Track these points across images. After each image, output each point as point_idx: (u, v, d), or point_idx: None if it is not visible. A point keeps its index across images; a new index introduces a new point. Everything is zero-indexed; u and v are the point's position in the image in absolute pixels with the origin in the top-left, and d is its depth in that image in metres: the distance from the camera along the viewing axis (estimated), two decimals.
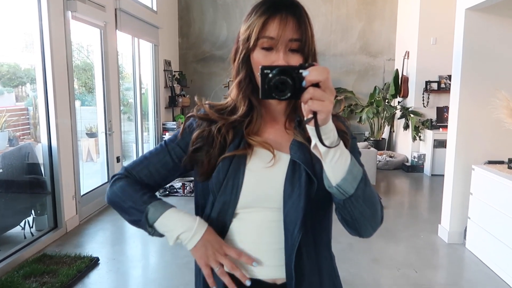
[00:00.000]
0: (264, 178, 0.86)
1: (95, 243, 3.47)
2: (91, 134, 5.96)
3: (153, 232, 0.88)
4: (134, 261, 3.20)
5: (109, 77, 4.56)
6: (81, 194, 3.98)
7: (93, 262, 2.98)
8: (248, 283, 0.83)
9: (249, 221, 0.87)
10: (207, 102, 0.94)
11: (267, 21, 0.82)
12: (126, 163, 5.31)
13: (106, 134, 4.59)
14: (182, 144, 0.92)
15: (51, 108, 3.44)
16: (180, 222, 0.86)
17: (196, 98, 0.95)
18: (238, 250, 0.86)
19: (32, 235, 3.38)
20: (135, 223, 0.89)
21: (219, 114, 0.90)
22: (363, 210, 0.80)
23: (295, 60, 0.83)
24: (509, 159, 3.02)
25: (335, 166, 0.76)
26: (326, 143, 0.73)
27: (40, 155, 3.54)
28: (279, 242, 0.86)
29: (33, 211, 3.57)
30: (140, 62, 5.69)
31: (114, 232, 3.81)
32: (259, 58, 0.84)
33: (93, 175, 4.96)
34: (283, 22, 0.81)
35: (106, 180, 4.61)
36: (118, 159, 4.81)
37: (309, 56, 0.85)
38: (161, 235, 0.88)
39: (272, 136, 0.90)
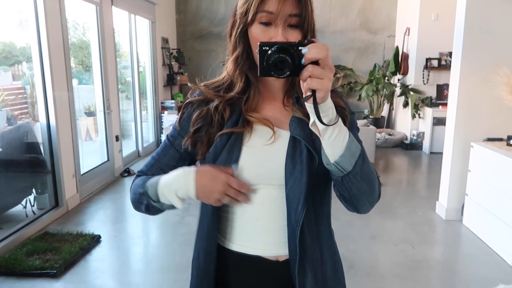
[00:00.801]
0: (265, 156, 0.85)
1: (96, 221, 3.50)
2: (90, 113, 5.93)
3: (162, 206, 0.89)
4: (135, 239, 3.24)
5: (106, 55, 4.50)
6: (81, 173, 3.99)
7: (95, 240, 3.02)
8: (253, 190, 0.85)
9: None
10: (202, 83, 0.93)
11: None
12: (125, 142, 5.34)
13: (104, 112, 4.57)
14: (183, 132, 0.92)
15: (48, 86, 3.41)
16: (171, 182, 0.85)
17: (189, 84, 0.95)
18: (238, 180, 0.83)
19: (34, 213, 3.41)
20: (149, 208, 0.90)
21: (215, 92, 0.90)
22: (361, 187, 0.81)
23: (294, 36, 0.81)
24: (508, 136, 3.02)
25: (334, 143, 0.76)
26: (325, 120, 0.73)
27: (39, 134, 3.53)
28: (281, 219, 0.87)
29: (33, 190, 3.59)
30: (137, 40, 5.62)
31: (115, 210, 3.84)
32: (257, 33, 0.82)
33: (92, 154, 4.96)
34: None
35: (106, 159, 4.62)
36: (117, 138, 4.80)
37: (308, 32, 0.83)
38: (172, 207, 0.88)
39: (271, 113, 0.89)
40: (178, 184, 0.83)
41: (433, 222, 3.47)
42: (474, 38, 3.20)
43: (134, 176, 0.97)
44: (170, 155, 0.94)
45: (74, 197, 3.77)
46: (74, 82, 4.96)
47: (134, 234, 3.35)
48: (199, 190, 0.82)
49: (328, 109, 0.73)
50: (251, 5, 0.81)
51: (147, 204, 0.89)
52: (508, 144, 2.99)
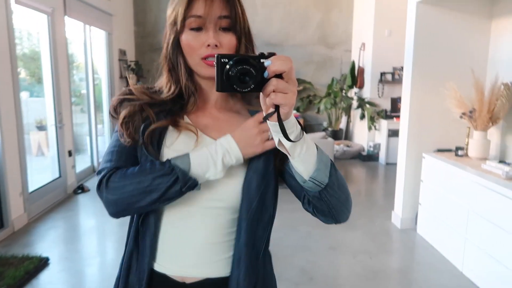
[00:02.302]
0: None
1: (45, 242, 3.30)
2: (41, 127, 5.65)
3: (191, 182, 0.78)
4: (89, 259, 3.08)
5: (58, 66, 4.32)
6: (30, 190, 3.77)
7: (43, 262, 2.83)
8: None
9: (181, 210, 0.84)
10: (138, 86, 0.89)
11: None
12: (79, 157, 5.12)
13: (56, 126, 4.37)
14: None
15: None
16: (212, 154, 0.79)
17: (124, 88, 0.90)
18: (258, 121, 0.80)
19: None
20: (168, 191, 0.77)
21: (144, 91, 0.86)
22: (339, 196, 0.79)
23: (228, 39, 0.80)
24: (456, 147, 3.16)
25: (305, 159, 0.74)
26: (292, 137, 0.70)
27: None
28: (211, 236, 0.85)
29: None
30: (93, 51, 5.45)
31: (67, 229, 3.65)
32: (189, 40, 0.80)
33: (43, 170, 4.72)
34: None
35: (58, 175, 4.40)
36: (70, 153, 4.60)
37: (242, 35, 0.82)
38: (195, 184, 0.78)
39: (204, 120, 0.87)
40: (224, 152, 0.79)
41: (389, 231, 3.55)
42: (424, 54, 3.35)
43: (105, 170, 0.81)
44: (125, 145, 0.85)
45: (21, 217, 3.54)
46: (25, 94, 4.72)
47: (88, 254, 3.18)
48: (242, 146, 0.79)
49: (293, 125, 0.70)
50: (178, 13, 0.79)
51: (170, 186, 0.76)
52: (457, 155, 3.13)
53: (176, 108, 0.85)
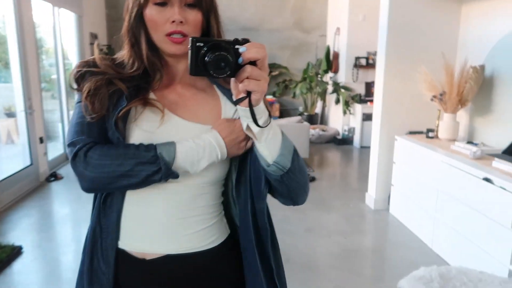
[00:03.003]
0: (154, 139, 0.81)
1: (18, 231, 3.23)
2: (10, 114, 5.46)
3: (173, 175, 0.78)
4: (64, 247, 3.03)
5: (26, 50, 4.17)
6: (0, 179, 3.66)
7: (16, 251, 2.77)
8: None
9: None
10: (99, 55, 0.86)
11: None
12: (51, 144, 4.99)
13: (26, 113, 4.23)
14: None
15: None
16: (199, 148, 0.79)
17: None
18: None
19: None
20: (147, 179, 0.77)
21: (111, 65, 0.83)
22: (299, 180, 0.82)
23: (193, 15, 0.79)
24: (427, 129, 3.26)
25: (270, 144, 0.76)
26: (260, 123, 0.72)
27: None
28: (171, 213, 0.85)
29: None
30: (62, 35, 5.27)
31: (40, 218, 3.57)
32: (153, 15, 0.79)
33: (14, 157, 4.58)
34: None
35: (30, 163, 4.28)
36: (41, 140, 4.47)
37: (209, 12, 0.81)
38: (177, 176, 0.78)
39: (170, 97, 0.85)
40: (212, 152, 0.80)
41: (363, 212, 3.65)
42: (397, 38, 3.41)
43: (81, 143, 0.77)
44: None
45: None
46: None
47: (62, 242, 3.13)
48: (229, 145, 0.81)
49: (262, 111, 0.72)
50: None
51: (152, 174, 0.76)
52: (427, 137, 3.22)
53: (142, 84, 0.83)
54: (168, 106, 0.84)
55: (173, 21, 0.77)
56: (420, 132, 3.41)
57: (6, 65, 4.76)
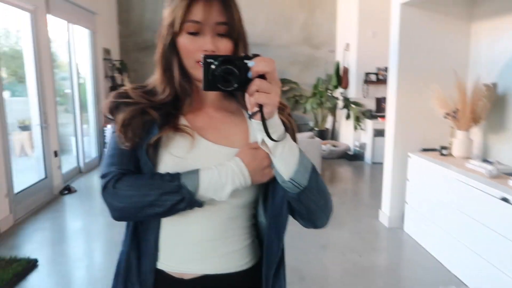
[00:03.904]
0: (185, 164, 0.82)
1: (33, 244, 3.25)
2: (24, 127, 5.54)
3: (196, 203, 0.80)
4: (77, 261, 3.05)
5: (41, 65, 4.25)
6: (15, 192, 3.70)
7: (31, 264, 2.79)
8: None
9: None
10: (130, 86, 0.88)
11: (191, 4, 0.79)
12: (64, 157, 5.04)
13: (41, 127, 4.29)
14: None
15: None
16: (221, 176, 0.80)
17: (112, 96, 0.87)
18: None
19: None
20: (172, 208, 0.79)
21: (143, 94, 0.86)
22: (318, 201, 0.82)
23: (224, 44, 0.81)
24: (441, 146, 3.25)
25: (286, 159, 0.77)
26: (274, 137, 0.73)
27: None
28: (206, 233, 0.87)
29: None
30: (76, 50, 5.37)
31: (54, 231, 3.59)
32: (186, 44, 0.81)
33: (28, 171, 4.63)
34: (208, 5, 0.79)
35: (44, 176, 4.33)
36: (55, 153, 4.53)
37: (239, 41, 0.83)
38: (200, 204, 0.81)
39: (200, 120, 0.88)
40: (235, 179, 0.80)
41: (377, 229, 3.62)
42: (408, 55, 3.43)
43: (110, 175, 0.81)
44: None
45: (7, 218, 3.48)
46: (6, 94, 4.63)
47: (75, 256, 3.15)
48: (253, 173, 0.81)
49: (276, 124, 0.74)
50: (176, 16, 0.80)
51: (176, 203, 0.78)
52: (441, 154, 3.21)
53: (173, 110, 0.86)
54: (198, 129, 0.86)
55: (205, 50, 0.80)
56: (434, 149, 3.40)
57: (21, 80, 4.86)
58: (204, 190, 0.79)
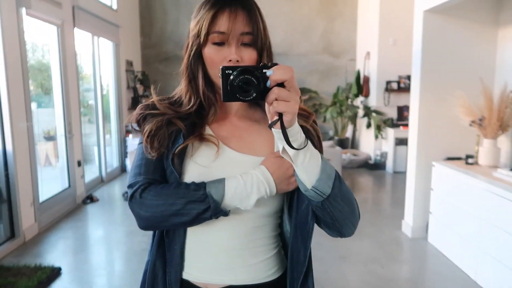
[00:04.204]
0: (210, 173, 0.83)
1: (56, 252, 3.31)
2: (49, 138, 5.69)
3: (222, 212, 0.80)
4: (99, 269, 3.08)
5: (67, 77, 4.37)
6: (40, 201, 3.79)
7: (55, 272, 2.84)
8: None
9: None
10: (156, 98, 0.90)
11: (216, 15, 0.80)
12: (87, 167, 5.15)
13: (65, 137, 4.40)
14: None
15: (5, 111, 3.25)
16: (246, 184, 0.79)
17: (139, 107, 0.89)
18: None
19: None
20: (198, 217, 0.79)
21: (169, 105, 0.88)
22: (342, 208, 0.80)
23: (248, 54, 0.82)
24: (466, 155, 3.16)
25: (308, 167, 0.75)
26: (295, 145, 0.72)
27: None
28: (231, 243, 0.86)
29: None
30: (101, 62, 5.51)
31: (76, 239, 3.65)
32: (211, 54, 0.82)
33: (52, 180, 4.73)
34: (233, 16, 0.80)
35: (67, 186, 4.42)
36: (79, 163, 4.62)
37: (263, 50, 0.84)
38: (226, 215, 0.80)
39: (225, 130, 0.88)
40: (260, 188, 0.80)
41: (399, 240, 3.53)
42: (432, 62, 3.37)
43: (138, 184, 0.83)
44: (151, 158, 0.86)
45: (32, 227, 3.56)
46: (33, 105, 4.77)
47: (97, 264, 3.18)
48: (278, 181, 0.81)
49: (296, 133, 0.73)
50: (202, 27, 0.81)
51: (202, 212, 0.79)
52: (467, 163, 3.12)
53: (198, 120, 0.87)
54: (223, 139, 0.86)
55: (230, 60, 0.80)
56: (459, 158, 3.31)
57: (47, 91, 5.00)
58: (230, 199, 0.79)
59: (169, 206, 0.79)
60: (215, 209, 0.79)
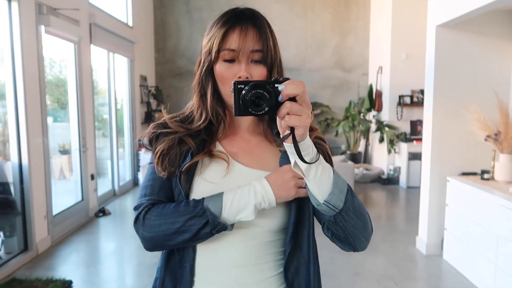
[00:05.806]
0: (219, 189, 0.83)
1: (68, 265, 3.32)
2: (64, 151, 5.79)
3: (221, 226, 0.80)
4: (110, 283, 3.08)
5: (83, 92, 4.46)
6: (53, 214, 3.83)
7: (67, 285, 2.84)
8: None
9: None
10: (168, 116, 0.91)
11: (227, 33, 0.82)
12: (100, 180, 5.20)
13: (80, 151, 4.46)
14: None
15: (22, 125, 3.32)
16: (245, 196, 0.79)
17: (150, 128, 0.91)
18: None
19: (1, 258, 3.21)
20: (199, 233, 0.79)
21: (180, 124, 0.89)
22: (355, 223, 0.79)
23: (258, 71, 0.83)
24: (482, 170, 3.10)
25: (319, 182, 0.75)
26: (307, 159, 0.72)
27: (10, 174, 3.40)
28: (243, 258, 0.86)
29: (1, 233, 3.40)
30: (116, 77, 5.61)
31: (89, 252, 3.67)
32: (222, 71, 0.83)
33: (65, 193, 4.79)
34: (243, 33, 0.81)
35: (81, 199, 4.46)
36: (92, 177, 4.67)
37: (273, 66, 0.85)
38: (225, 228, 0.79)
39: (236, 145, 0.89)
40: (257, 195, 0.79)
41: (414, 257, 3.46)
42: (445, 77, 3.34)
43: (142, 206, 0.84)
44: (161, 178, 0.87)
45: (45, 240, 3.59)
46: (49, 119, 4.87)
47: (109, 278, 3.19)
48: (276, 189, 0.80)
49: (308, 147, 0.73)
50: (213, 44, 0.83)
51: (201, 228, 0.78)
52: (482, 178, 3.06)
53: (208, 137, 0.88)
54: (233, 154, 0.87)
55: (240, 77, 0.82)
56: (474, 173, 3.25)
57: (63, 106, 5.10)
58: (228, 211, 0.79)
59: (170, 224, 0.80)
60: (214, 223, 0.78)
